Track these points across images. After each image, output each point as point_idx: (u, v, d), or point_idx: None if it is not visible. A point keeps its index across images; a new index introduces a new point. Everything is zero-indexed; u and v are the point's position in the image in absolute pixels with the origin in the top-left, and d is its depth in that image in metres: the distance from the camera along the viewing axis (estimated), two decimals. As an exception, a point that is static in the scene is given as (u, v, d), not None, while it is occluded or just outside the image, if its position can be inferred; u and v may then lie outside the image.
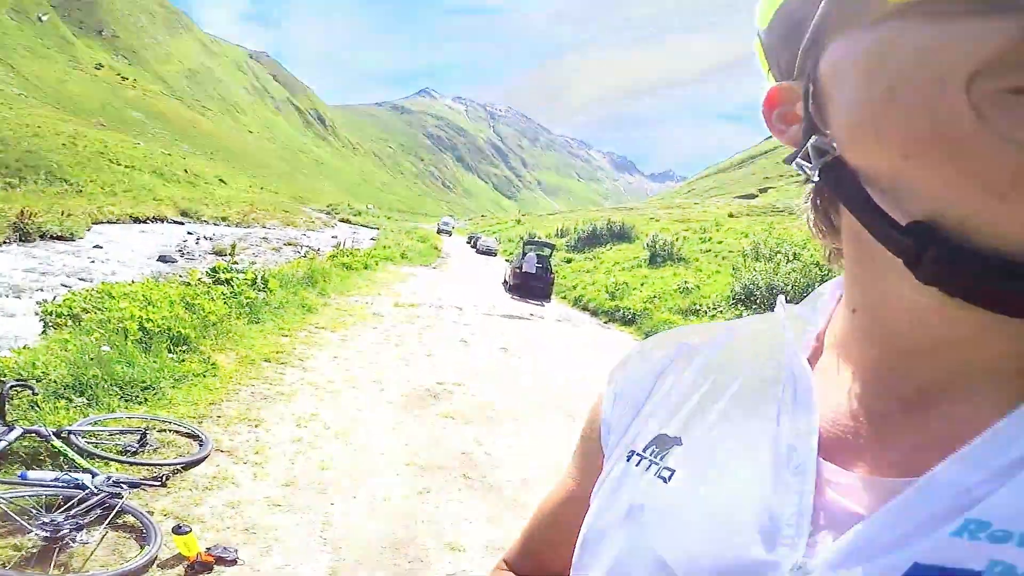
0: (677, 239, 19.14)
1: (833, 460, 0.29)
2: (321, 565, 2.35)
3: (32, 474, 2.33)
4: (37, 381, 3.14)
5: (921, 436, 0.27)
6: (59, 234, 13.82)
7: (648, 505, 0.35)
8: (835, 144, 0.29)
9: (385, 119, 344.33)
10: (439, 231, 49.88)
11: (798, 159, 0.32)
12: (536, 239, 20.34)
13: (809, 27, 0.30)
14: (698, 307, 12.17)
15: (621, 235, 22.86)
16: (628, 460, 0.39)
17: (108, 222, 18.39)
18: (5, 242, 12.19)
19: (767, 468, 0.31)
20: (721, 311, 11.62)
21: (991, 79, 0.23)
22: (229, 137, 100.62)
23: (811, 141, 0.30)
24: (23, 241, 12.69)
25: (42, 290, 8.68)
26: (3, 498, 2.15)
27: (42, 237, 13.34)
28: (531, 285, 14.10)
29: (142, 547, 2.21)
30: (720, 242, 20.96)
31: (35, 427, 2.66)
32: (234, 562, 2.23)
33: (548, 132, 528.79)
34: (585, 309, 14.20)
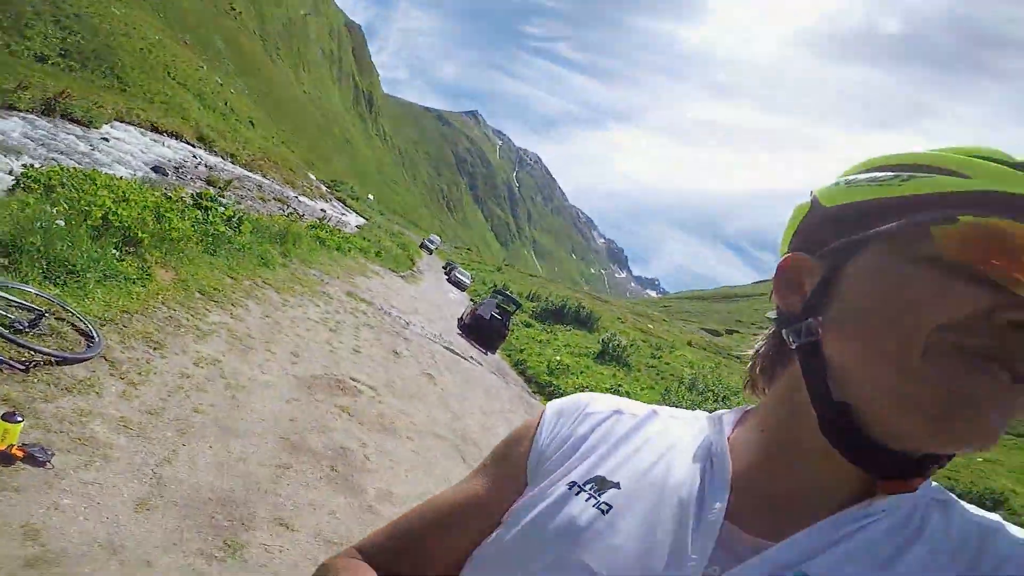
0: (632, 344, 19.77)
1: (730, 520, 0.43)
2: (134, 493, 2.31)
3: None
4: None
5: (784, 517, 0.42)
6: (79, 118, 13.80)
7: (587, 528, 0.45)
8: (820, 330, 0.42)
9: (425, 124, 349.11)
10: (422, 245, 49.98)
11: (787, 329, 0.45)
12: (506, 292, 20.63)
13: (864, 231, 0.42)
14: None
15: (584, 321, 23.72)
16: (570, 489, 0.49)
17: (130, 123, 18.34)
18: (29, 111, 12.15)
19: (688, 517, 0.43)
20: None
21: (949, 332, 0.36)
22: (282, 87, 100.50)
23: (807, 321, 0.43)
24: (45, 115, 12.63)
25: (29, 158, 8.55)
26: None
27: (64, 117, 13.27)
28: (482, 331, 14.24)
29: None
30: (668, 363, 21.69)
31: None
32: (43, 464, 2.16)
33: (563, 198, 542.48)
34: (522, 374, 14.37)
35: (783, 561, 0.39)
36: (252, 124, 45.54)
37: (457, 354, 10.51)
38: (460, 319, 15.60)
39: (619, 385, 14.37)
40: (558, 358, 15.68)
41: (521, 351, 16.50)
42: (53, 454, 2.20)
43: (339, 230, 18.00)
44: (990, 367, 0.36)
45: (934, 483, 0.44)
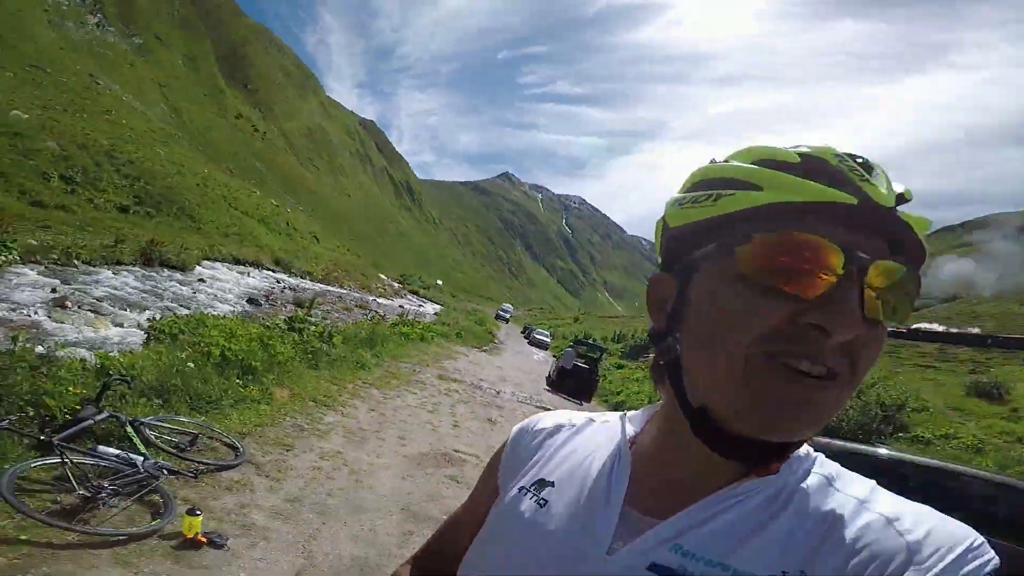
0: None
1: (631, 504, 0.51)
2: (292, 566, 2.73)
3: (101, 448, 2.93)
4: (132, 379, 3.85)
5: (673, 500, 0.49)
6: (175, 264, 15.85)
7: (528, 520, 0.54)
8: (678, 347, 0.49)
9: (466, 198, 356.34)
10: (497, 317, 51.03)
11: (659, 345, 0.52)
12: (587, 340, 20.48)
13: (695, 250, 0.48)
14: None
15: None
16: (520, 492, 0.58)
17: (215, 259, 20.68)
18: (132, 264, 14.17)
19: (600, 504, 0.52)
20: None
21: (764, 341, 0.43)
22: (330, 197, 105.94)
23: (668, 340, 0.50)
24: (145, 265, 14.65)
25: (149, 309, 10.03)
26: (71, 461, 2.70)
27: (162, 264, 15.35)
28: (567, 382, 14.25)
29: (154, 519, 2.65)
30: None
31: (117, 413, 3.32)
32: (221, 547, 2.65)
33: (621, 231, 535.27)
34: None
35: (664, 536, 0.47)
36: (316, 239, 48.19)
37: (549, 410, 10.61)
38: (548, 377, 15.72)
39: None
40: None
41: (618, 393, 16.16)
42: (228, 539, 2.69)
43: (419, 321, 19.02)
44: (802, 368, 0.42)
45: (821, 459, 0.51)
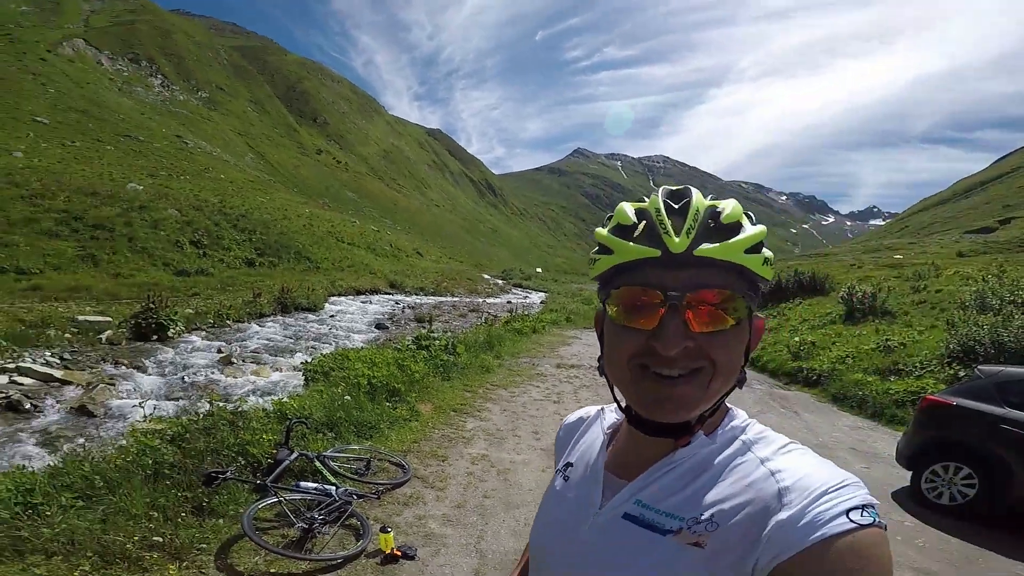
0: (881, 290, 16.52)
1: (609, 470, 0.74)
2: (470, 566, 3.13)
3: (303, 484, 3.53)
4: (307, 419, 4.54)
5: (635, 467, 0.70)
6: (307, 306, 17.61)
7: (560, 492, 0.79)
8: (604, 366, 0.71)
9: (545, 183, 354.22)
10: None
11: (600, 364, 0.72)
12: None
13: (601, 296, 0.69)
14: (901, 367, 10.43)
15: (812, 287, 20.24)
16: (557, 474, 0.84)
17: (339, 294, 22.66)
18: (272, 313, 16.01)
19: (592, 475, 0.76)
20: (931, 371, 9.80)
21: (634, 359, 0.64)
22: (421, 212, 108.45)
23: (600, 362, 0.71)
24: (283, 312, 16.49)
25: (298, 351, 11.40)
26: (285, 499, 3.33)
27: (296, 308, 17.15)
28: None
29: (358, 540, 3.16)
30: (939, 291, 17.59)
31: (305, 451, 3.96)
32: (413, 558, 3.10)
33: (716, 179, 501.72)
34: (763, 370, 13.26)
35: (629, 494, 0.68)
36: (419, 254, 49.96)
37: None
38: None
39: (888, 339, 12.18)
40: (797, 339, 14.08)
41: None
42: (416, 549, 3.12)
43: (527, 314, 19.48)
44: (663, 373, 0.62)
45: (751, 426, 0.70)
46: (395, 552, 3.03)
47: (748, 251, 0.63)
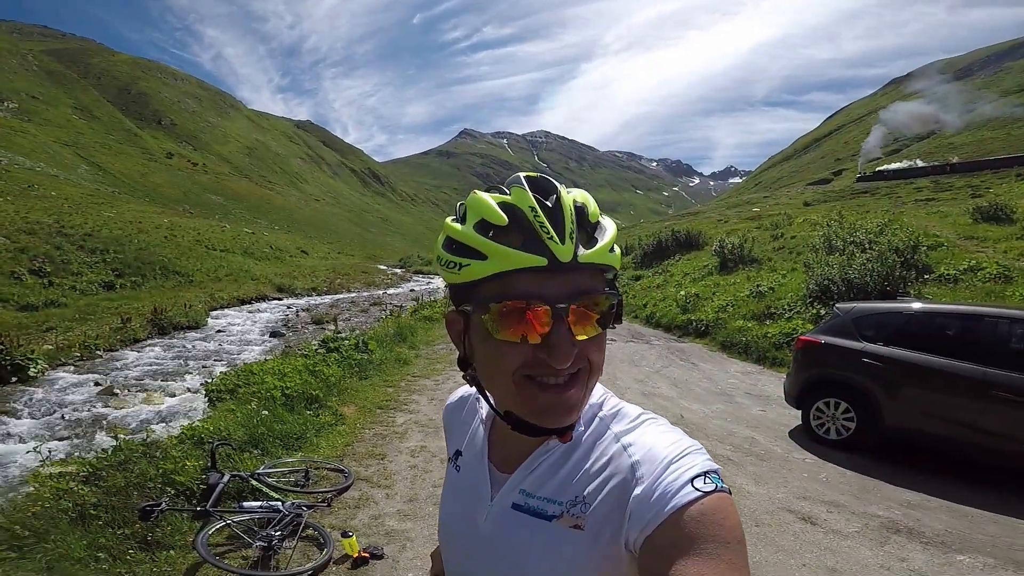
0: (747, 241, 18.32)
1: (494, 464, 0.74)
2: None
3: (246, 504, 3.34)
4: (228, 439, 4.23)
5: (514, 459, 0.71)
6: (187, 324, 15.85)
7: (453, 484, 0.80)
8: (477, 375, 0.68)
9: (434, 166, 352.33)
10: None
11: (465, 371, 0.70)
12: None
13: (466, 305, 0.64)
14: (773, 310, 11.71)
15: (688, 243, 22.15)
16: (450, 463, 0.83)
17: (222, 307, 20.73)
18: (148, 337, 14.31)
19: (480, 468, 0.75)
20: (798, 312, 11.16)
21: (520, 371, 0.61)
22: (299, 208, 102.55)
23: (469, 371, 0.69)
24: (161, 334, 14.82)
25: (188, 373, 10.41)
26: (232, 521, 3.14)
27: (175, 328, 15.46)
28: None
29: (321, 550, 3.08)
30: (793, 237, 20.06)
31: (238, 472, 3.72)
32: (382, 557, 3.07)
33: (594, 150, 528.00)
34: (658, 326, 14.33)
35: (513, 485, 0.70)
36: (304, 252, 47.37)
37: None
38: None
39: (757, 286, 13.69)
40: (682, 292, 15.26)
41: (644, 305, 16.24)
42: (383, 548, 3.11)
43: (435, 301, 19.35)
44: (549, 382, 0.61)
45: (607, 401, 0.72)
46: (363, 554, 2.99)
47: (611, 249, 0.64)
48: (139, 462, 3.65)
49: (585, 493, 0.63)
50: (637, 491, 0.59)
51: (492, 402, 0.69)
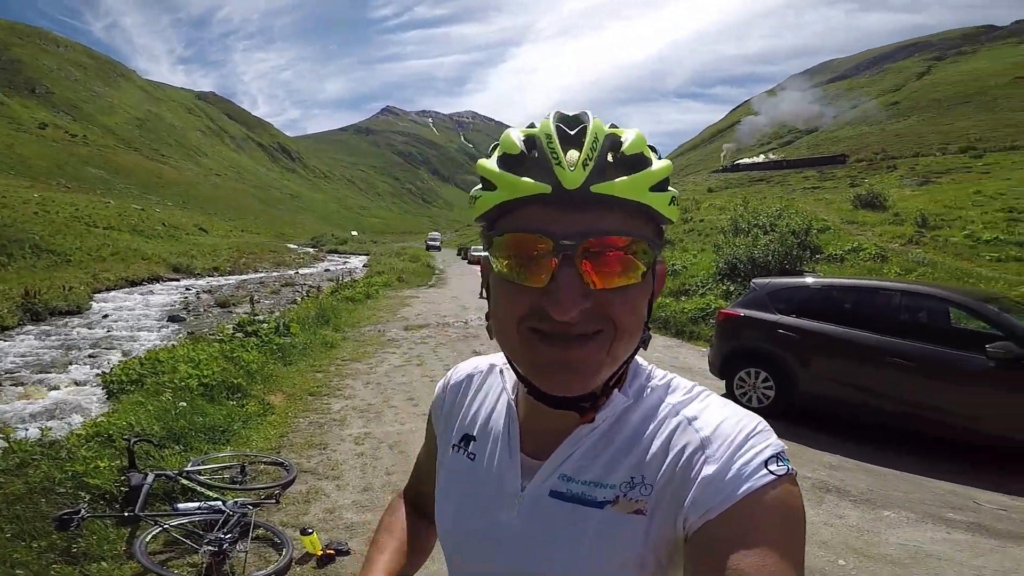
0: None
1: (523, 450, 0.64)
2: None
3: (182, 505, 3.00)
4: (148, 435, 3.77)
5: (547, 442, 0.62)
6: (67, 309, 14.00)
7: (465, 475, 0.68)
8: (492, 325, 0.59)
9: (352, 143, 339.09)
10: (428, 248, 50.30)
11: (487, 324, 0.61)
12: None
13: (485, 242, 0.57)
14: (687, 287, 12.63)
15: None
16: (455, 451, 0.71)
17: (107, 289, 18.61)
18: (19, 324, 12.44)
19: (507, 452, 0.65)
20: (710, 288, 12.10)
21: (525, 321, 0.53)
22: (197, 183, 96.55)
23: (488, 321, 0.60)
24: (35, 320, 12.96)
25: (73, 363, 9.21)
26: (170, 526, 2.81)
27: (52, 314, 13.59)
28: None
29: (279, 551, 2.80)
30: (702, 220, 21.61)
31: (163, 471, 3.32)
32: (348, 552, 2.87)
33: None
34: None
35: (551, 470, 0.61)
36: (203, 230, 44.30)
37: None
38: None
39: (672, 264, 14.49)
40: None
41: None
42: (347, 543, 2.92)
43: (355, 281, 18.57)
44: (549, 339, 0.52)
45: (653, 372, 0.64)
46: (327, 551, 2.78)
47: (654, 188, 0.53)
48: (40, 464, 3.17)
49: (644, 474, 0.56)
50: (708, 471, 0.52)
51: (514, 364, 0.60)
